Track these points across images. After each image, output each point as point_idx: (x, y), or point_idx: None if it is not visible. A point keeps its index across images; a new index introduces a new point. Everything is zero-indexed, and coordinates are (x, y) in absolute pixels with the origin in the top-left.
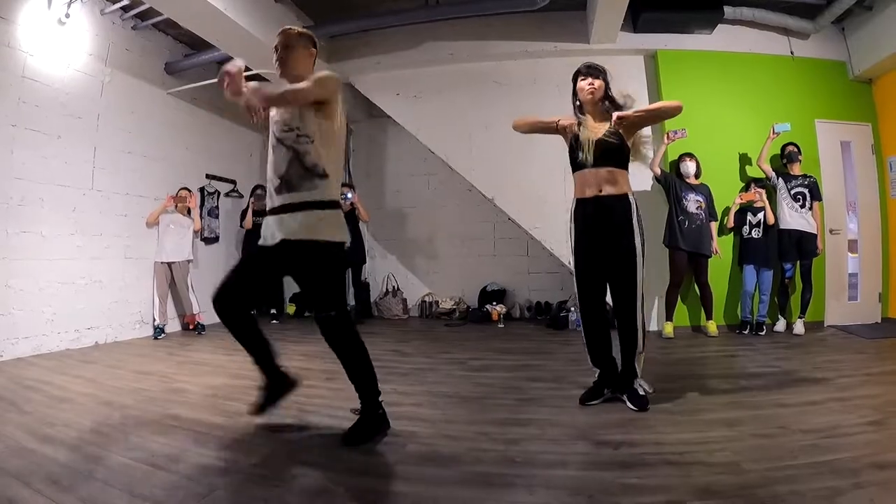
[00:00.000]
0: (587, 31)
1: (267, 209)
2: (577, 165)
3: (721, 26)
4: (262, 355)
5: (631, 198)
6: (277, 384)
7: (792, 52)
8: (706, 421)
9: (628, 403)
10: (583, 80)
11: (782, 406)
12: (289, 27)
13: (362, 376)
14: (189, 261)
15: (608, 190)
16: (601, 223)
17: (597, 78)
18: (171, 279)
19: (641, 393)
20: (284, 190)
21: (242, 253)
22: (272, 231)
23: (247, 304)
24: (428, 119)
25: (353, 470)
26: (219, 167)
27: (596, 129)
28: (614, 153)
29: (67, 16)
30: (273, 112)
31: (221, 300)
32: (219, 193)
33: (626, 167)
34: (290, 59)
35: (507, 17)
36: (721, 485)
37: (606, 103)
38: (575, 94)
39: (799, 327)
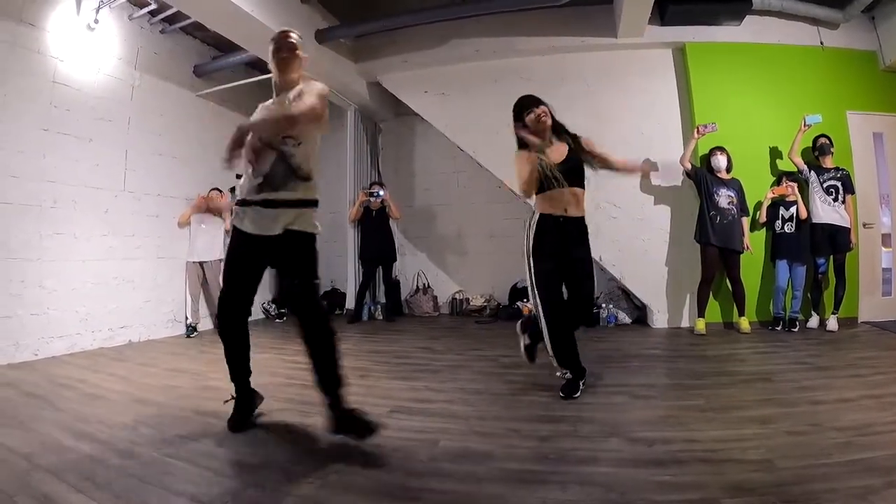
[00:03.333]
0: (614, 25)
1: (242, 201)
2: (545, 186)
3: (749, 17)
4: (244, 369)
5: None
6: (249, 399)
7: (822, 43)
8: (739, 418)
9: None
10: (529, 113)
11: (816, 403)
12: (287, 30)
13: (328, 353)
14: (220, 260)
15: (573, 211)
16: (569, 238)
17: (541, 105)
18: (203, 278)
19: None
20: (266, 189)
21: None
22: (263, 223)
23: (248, 310)
24: (455, 116)
25: (385, 467)
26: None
27: (554, 154)
28: (579, 174)
29: (96, 21)
30: (257, 113)
31: (229, 314)
32: None
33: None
34: (294, 62)
35: (533, 13)
36: (754, 482)
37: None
38: (521, 126)
39: (832, 323)
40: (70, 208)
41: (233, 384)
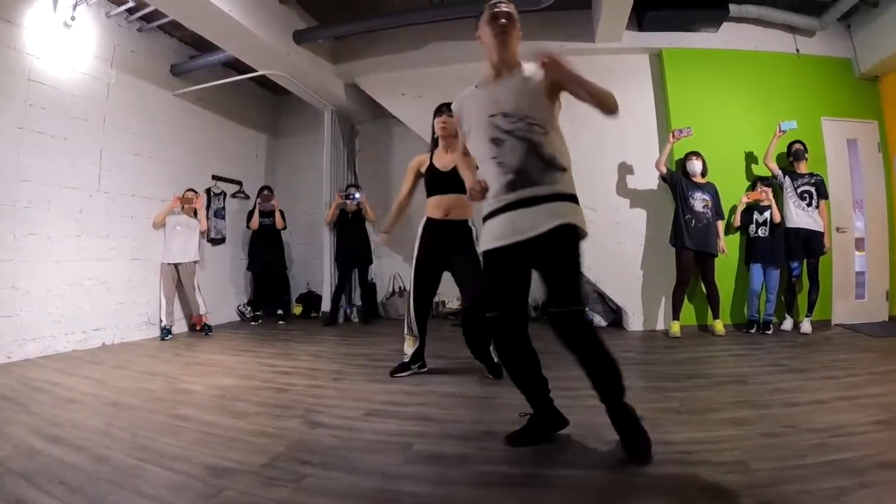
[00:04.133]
0: (592, 30)
1: (496, 208)
2: (432, 191)
3: (726, 24)
4: (541, 387)
5: (470, 223)
6: (548, 420)
7: (797, 50)
8: (714, 420)
9: (488, 374)
10: (438, 116)
11: (790, 405)
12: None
13: (609, 377)
14: (196, 262)
15: (455, 214)
16: (447, 240)
17: (451, 115)
18: (178, 280)
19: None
20: (520, 185)
21: (489, 273)
22: (522, 226)
23: (526, 325)
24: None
25: (359, 470)
26: (225, 168)
27: (446, 161)
28: (461, 182)
29: (73, 18)
30: (486, 104)
31: (510, 338)
32: (225, 194)
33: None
34: (514, 34)
35: None
36: (729, 484)
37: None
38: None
39: (806, 326)
40: (44, 208)
41: (531, 405)
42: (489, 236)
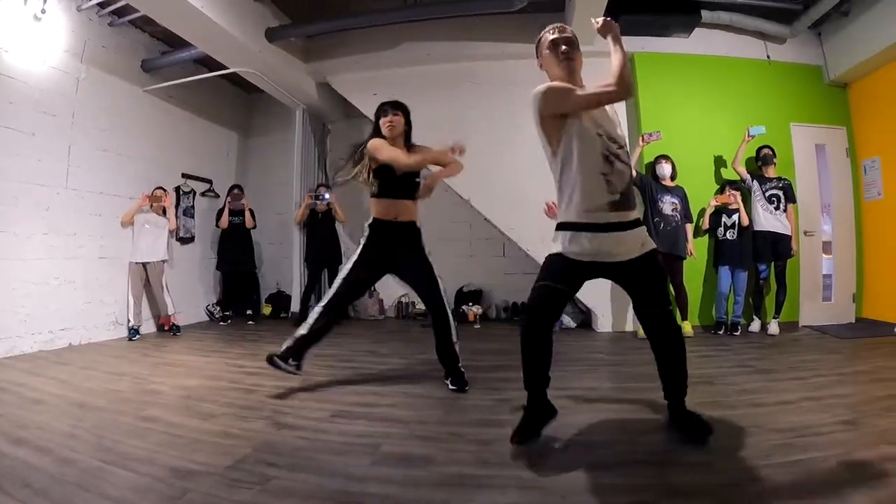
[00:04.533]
0: None
1: (591, 223)
2: (382, 192)
3: (698, 30)
4: (544, 377)
5: (418, 224)
6: (543, 411)
7: (768, 57)
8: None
9: (450, 385)
10: (384, 117)
11: (756, 406)
12: (563, 25)
13: (683, 374)
14: (164, 261)
15: (405, 217)
16: (397, 242)
17: (396, 114)
18: (146, 280)
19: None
20: (622, 207)
21: (551, 276)
22: (614, 250)
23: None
24: None
25: (326, 471)
26: (195, 166)
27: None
28: (411, 186)
29: (43, 11)
30: (594, 123)
31: (540, 327)
32: (194, 193)
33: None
34: (578, 58)
35: (485, 19)
36: (694, 484)
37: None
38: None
39: (773, 328)
40: (11, 205)
41: (527, 392)
42: (572, 245)
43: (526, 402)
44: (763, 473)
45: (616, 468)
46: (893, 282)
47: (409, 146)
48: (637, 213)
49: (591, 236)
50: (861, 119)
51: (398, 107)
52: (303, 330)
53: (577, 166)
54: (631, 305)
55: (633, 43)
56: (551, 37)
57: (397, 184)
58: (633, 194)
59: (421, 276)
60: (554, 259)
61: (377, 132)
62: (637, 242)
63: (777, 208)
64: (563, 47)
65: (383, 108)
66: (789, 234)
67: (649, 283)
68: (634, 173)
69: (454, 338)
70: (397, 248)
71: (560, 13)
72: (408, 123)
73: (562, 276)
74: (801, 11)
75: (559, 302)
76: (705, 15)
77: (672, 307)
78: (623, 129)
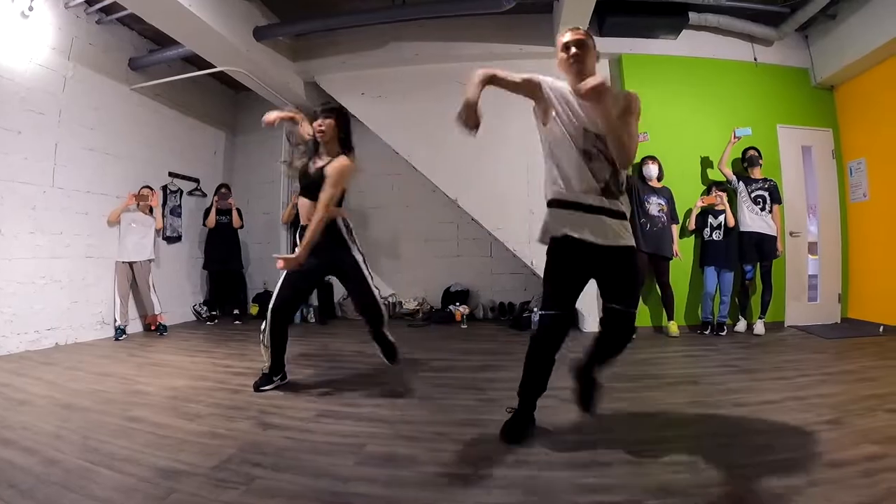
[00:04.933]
0: (553, 34)
1: (581, 203)
2: (305, 194)
3: (686, 32)
4: (542, 386)
5: (339, 222)
6: (531, 416)
7: (755, 59)
8: (664, 420)
9: (383, 357)
10: (316, 122)
11: (741, 405)
12: (576, 26)
13: (612, 361)
14: (151, 260)
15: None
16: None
17: (328, 118)
18: (133, 279)
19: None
20: (608, 195)
21: (555, 265)
22: (604, 232)
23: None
24: (392, 119)
25: (310, 471)
26: (182, 165)
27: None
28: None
29: (31, 8)
30: (584, 116)
31: (557, 327)
32: (181, 192)
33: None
34: (588, 57)
35: (473, 19)
36: (678, 484)
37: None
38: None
39: (759, 328)
40: None
41: (518, 398)
42: (564, 222)
43: (517, 404)
44: (746, 472)
45: (599, 467)
46: (878, 282)
47: (345, 151)
48: (624, 209)
49: (580, 214)
50: (847, 121)
51: (330, 112)
52: (266, 349)
53: (560, 157)
54: None
55: (620, 44)
56: (563, 39)
57: (311, 186)
58: (617, 186)
59: (352, 280)
60: (554, 252)
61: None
62: (624, 232)
63: (763, 209)
64: (573, 50)
65: (316, 112)
66: (775, 234)
67: (621, 278)
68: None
69: (385, 319)
70: (322, 252)
71: (548, 14)
72: (343, 129)
73: (565, 289)
74: (788, 14)
75: (566, 329)
76: (693, 17)
77: (636, 309)
78: None
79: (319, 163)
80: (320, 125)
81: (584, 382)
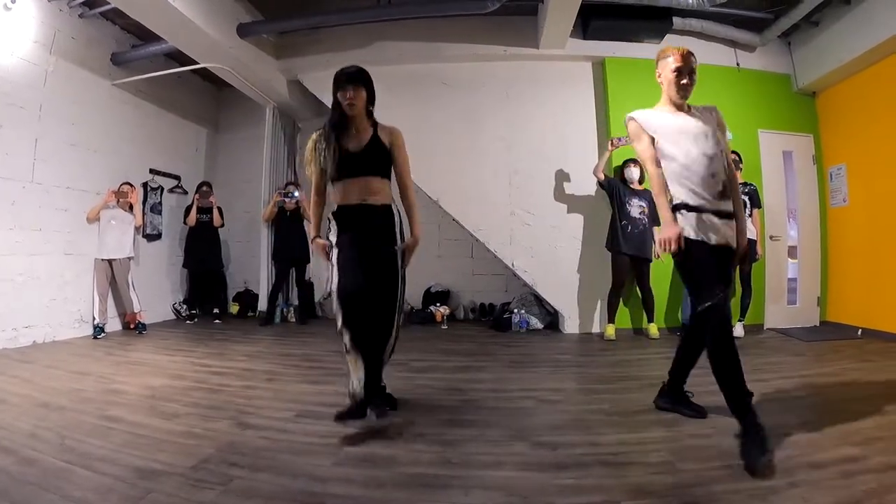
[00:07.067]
0: (537, 37)
1: (712, 209)
2: (339, 174)
3: (669, 36)
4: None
5: (394, 207)
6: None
7: (738, 64)
8: (643, 422)
9: (371, 415)
10: (342, 92)
11: (719, 407)
12: (689, 50)
13: (729, 371)
14: (130, 258)
15: (372, 199)
16: (364, 228)
17: (357, 87)
18: (112, 277)
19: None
20: (725, 197)
21: (704, 262)
22: (729, 235)
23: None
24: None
25: (289, 472)
26: (163, 162)
27: (358, 140)
28: (375, 164)
29: (13, 1)
30: (693, 127)
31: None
32: (162, 189)
33: (388, 177)
34: (693, 86)
35: (458, 20)
36: (656, 484)
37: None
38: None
39: (738, 330)
40: None
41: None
42: (705, 227)
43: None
44: (726, 473)
45: (578, 468)
46: (857, 286)
47: (373, 126)
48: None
49: (715, 219)
50: (828, 127)
51: (358, 79)
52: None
53: (685, 165)
54: (598, 307)
55: (604, 47)
56: (677, 64)
57: (356, 163)
58: (728, 187)
59: (381, 267)
60: (699, 252)
61: (337, 108)
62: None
63: None
64: (685, 80)
65: (338, 82)
66: (754, 238)
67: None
68: (602, 177)
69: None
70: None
71: (532, 17)
72: (372, 99)
73: (714, 279)
74: (771, 21)
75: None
76: (677, 22)
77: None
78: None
79: (356, 139)
80: (351, 97)
81: (749, 425)
